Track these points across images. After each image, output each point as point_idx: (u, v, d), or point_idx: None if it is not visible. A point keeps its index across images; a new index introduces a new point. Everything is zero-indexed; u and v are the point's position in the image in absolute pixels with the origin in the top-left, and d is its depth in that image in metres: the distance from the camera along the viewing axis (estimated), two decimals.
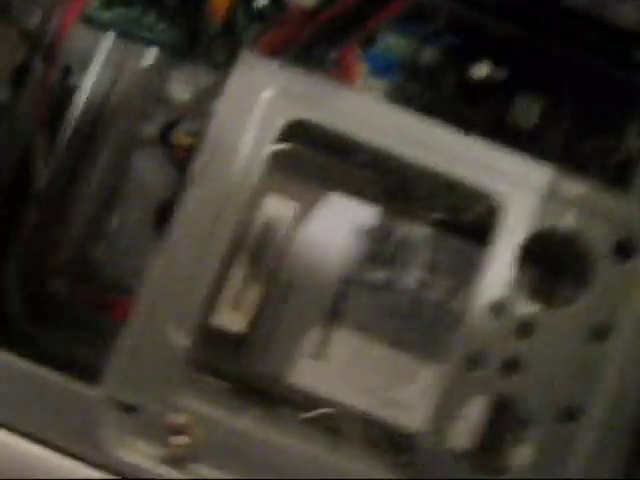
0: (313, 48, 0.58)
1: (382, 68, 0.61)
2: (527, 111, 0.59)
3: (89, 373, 0.52)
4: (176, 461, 0.46)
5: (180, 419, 0.46)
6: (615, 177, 0.60)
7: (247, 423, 0.50)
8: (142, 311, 0.50)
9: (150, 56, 0.62)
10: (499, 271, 0.51)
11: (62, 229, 0.61)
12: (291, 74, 0.51)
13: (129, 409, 0.49)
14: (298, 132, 0.55)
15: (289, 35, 0.57)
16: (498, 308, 0.51)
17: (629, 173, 0.59)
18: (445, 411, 0.50)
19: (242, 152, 0.51)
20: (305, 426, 0.54)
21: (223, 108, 0.51)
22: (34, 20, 0.59)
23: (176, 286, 0.50)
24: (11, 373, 0.49)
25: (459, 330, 0.51)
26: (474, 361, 0.50)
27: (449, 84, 0.59)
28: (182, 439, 0.46)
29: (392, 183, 0.57)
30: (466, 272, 0.56)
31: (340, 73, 0.57)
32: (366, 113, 0.51)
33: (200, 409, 0.49)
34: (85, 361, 0.57)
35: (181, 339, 0.50)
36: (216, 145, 0.51)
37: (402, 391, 0.56)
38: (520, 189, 0.51)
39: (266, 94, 0.51)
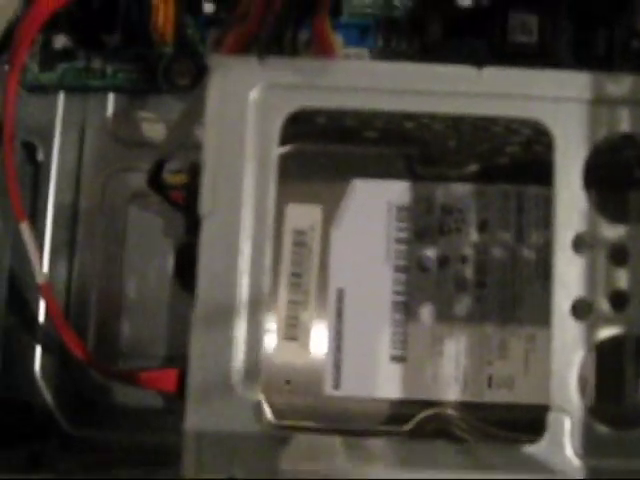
0: (280, 36, 0.50)
1: (357, 34, 0.52)
2: (525, 25, 0.50)
3: None
4: None
5: None
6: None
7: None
8: (197, 377, 0.41)
9: (109, 104, 0.53)
10: (569, 202, 0.42)
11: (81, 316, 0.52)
12: (273, 65, 0.43)
13: None
14: (296, 130, 0.46)
15: (248, 31, 0.48)
16: (583, 242, 0.42)
17: None
18: (563, 373, 0.41)
19: (247, 167, 0.42)
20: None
21: (212, 125, 0.42)
22: None
23: (226, 337, 0.41)
24: None
25: (550, 279, 0.42)
26: (579, 308, 0.41)
27: (436, 23, 0.51)
28: None
29: (414, 149, 0.48)
30: (526, 216, 0.48)
31: (318, 51, 0.48)
32: (368, 79, 0.42)
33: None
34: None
35: (254, 393, 0.41)
36: (216, 168, 0.42)
37: (499, 367, 0.47)
38: (564, 105, 0.42)
39: (254, 94, 0.42)
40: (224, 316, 0.41)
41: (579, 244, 0.42)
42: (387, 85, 0.43)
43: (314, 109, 0.43)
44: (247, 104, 0.43)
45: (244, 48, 0.48)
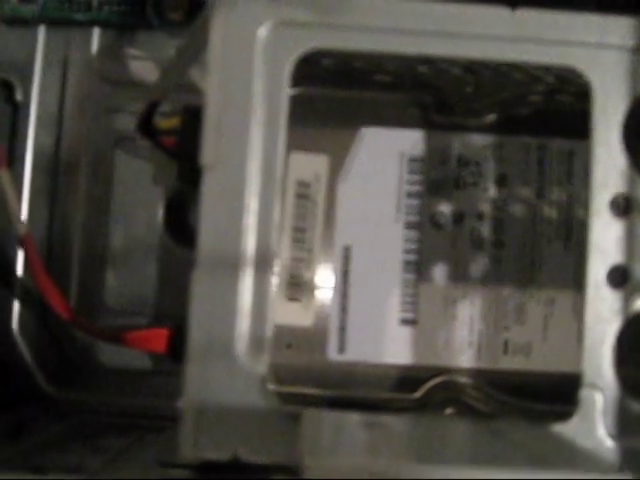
0: None
1: None
2: None
3: None
4: None
5: None
6: None
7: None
8: (198, 346, 0.35)
9: (94, 39, 0.47)
10: (607, 160, 0.37)
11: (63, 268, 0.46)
12: (284, 0, 0.36)
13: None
14: (300, 72, 0.40)
15: None
16: (622, 204, 0.37)
17: None
18: (597, 346, 0.36)
19: (255, 114, 0.36)
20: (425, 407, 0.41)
21: (215, 67, 0.36)
22: None
23: (229, 301, 0.36)
24: None
25: (572, 239, 0.37)
26: (615, 276, 0.36)
27: None
28: None
29: (429, 95, 0.43)
30: (548, 171, 0.42)
31: None
32: (390, 19, 0.37)
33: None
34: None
35: (260, 364, 0.36)
36: (220, 115, 0.36)
37: (515, 332, 0.42)
38: (604, 52, 0.37)
39: (262, 32, 0.36)
40: (228, 278, 0.36)
41: (617, 206, 0.37)
42: (411, 26, 0.37)
43: (329, 50, 0.37)
44: (255, 44, 0.37)
45: None
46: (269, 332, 0.36)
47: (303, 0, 0.37)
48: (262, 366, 0.36)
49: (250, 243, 0.36)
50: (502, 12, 0.37)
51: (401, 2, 0.37)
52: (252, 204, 0.37)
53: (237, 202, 0.36)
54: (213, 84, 0.37)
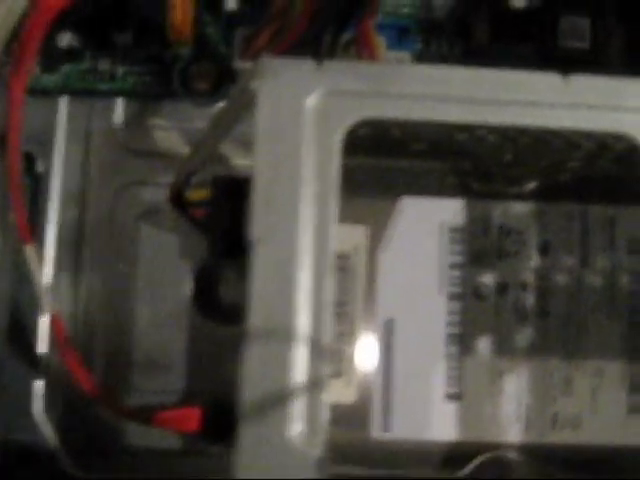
0: (320, 36, 0.43)
1: (395, 36, 0.46)
2: (576, 29, 0.45)
3: None
4: None
5: None
6: None
7: None
8: (249, 428, 0.34)
9: (118, 110, 0.45)
10: None
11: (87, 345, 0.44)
12: (333, 69, 0.36)
13: None
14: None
15: (294, 31, 0.42)
16: None
17: None
18: None
19: (305, 186, 0.35)
20: None
21: (263, 138, 0.35)
22: None
23: (282, 379, 0.34)
24: None
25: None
26: None
27: (483, 26, 0.44)
28: None
29: (468, 163, 0.42)
30: (592, 237, 0.42)
31: (361, 54, 0.42)
32: (442, 87, 0.36)
33: None
34: None
35: (316, 446, 0.34)
36: (269, 188, 0.35)
37: (563, 404, 0.41)
38: None
39: (311, 102, 0.35)
40: (279, 355, 0.35)
41: None
42: (462, 93, 0.36)
43: (380, 119, 0.36)
44: (303, 113, 0.36)
45: (279, 49, 0.42)
46: (325, 411, 0.35)
47: (351, 68, 0.36)
48: (318, 448, 0.35)
49: (302, 319, 0.35)
50: (554, 79, 0.37)
51: (451, 69, 0.36)
52: (303, 278, 0.35)
53: (288, 276, 0.35)
54: (261, 156, 0.35)
